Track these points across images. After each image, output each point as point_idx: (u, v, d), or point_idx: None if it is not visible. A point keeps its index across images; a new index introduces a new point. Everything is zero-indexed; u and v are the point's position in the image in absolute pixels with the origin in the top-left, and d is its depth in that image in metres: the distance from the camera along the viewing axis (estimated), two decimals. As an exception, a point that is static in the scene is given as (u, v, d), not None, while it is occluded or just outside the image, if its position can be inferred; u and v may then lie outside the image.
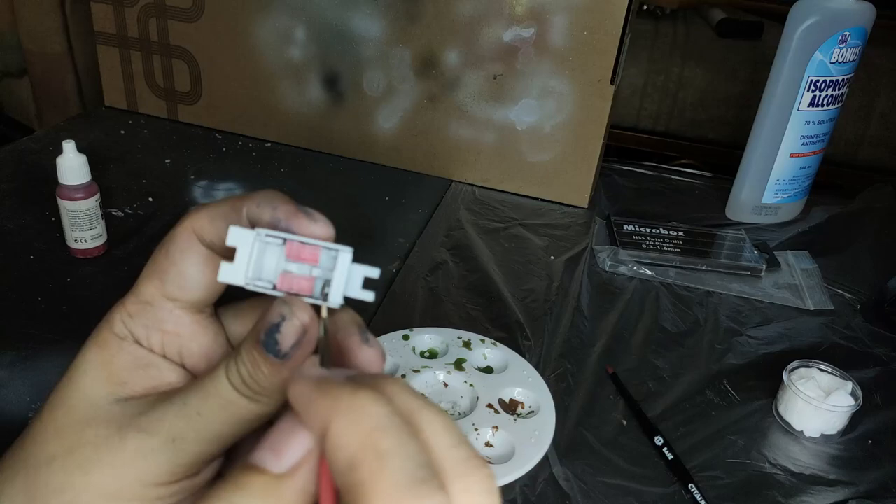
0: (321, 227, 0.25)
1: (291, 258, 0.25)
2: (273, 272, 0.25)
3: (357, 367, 0.26)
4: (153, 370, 0.27)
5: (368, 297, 0.26)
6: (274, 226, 0.25)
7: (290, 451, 0.22)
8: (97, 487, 0.25)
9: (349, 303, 0.26)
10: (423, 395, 0.22)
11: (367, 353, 0.26)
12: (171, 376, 0.27)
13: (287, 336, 0.24)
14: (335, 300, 0.25)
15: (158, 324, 0.27)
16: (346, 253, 0.25)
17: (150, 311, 0.27)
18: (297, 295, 0.25)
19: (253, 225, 0.26)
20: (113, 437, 0.25)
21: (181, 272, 0.26)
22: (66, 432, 0.26)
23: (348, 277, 0.25)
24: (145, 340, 0.27)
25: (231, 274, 0.25)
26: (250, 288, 0.25)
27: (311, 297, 0.25)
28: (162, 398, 0.26)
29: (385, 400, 0.21)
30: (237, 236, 0.25)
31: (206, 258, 0.27)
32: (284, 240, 0.25)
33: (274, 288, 0.25)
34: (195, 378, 0.27)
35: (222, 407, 0.25)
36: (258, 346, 0.24)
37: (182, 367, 0.28)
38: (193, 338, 0.28)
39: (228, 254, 0.25)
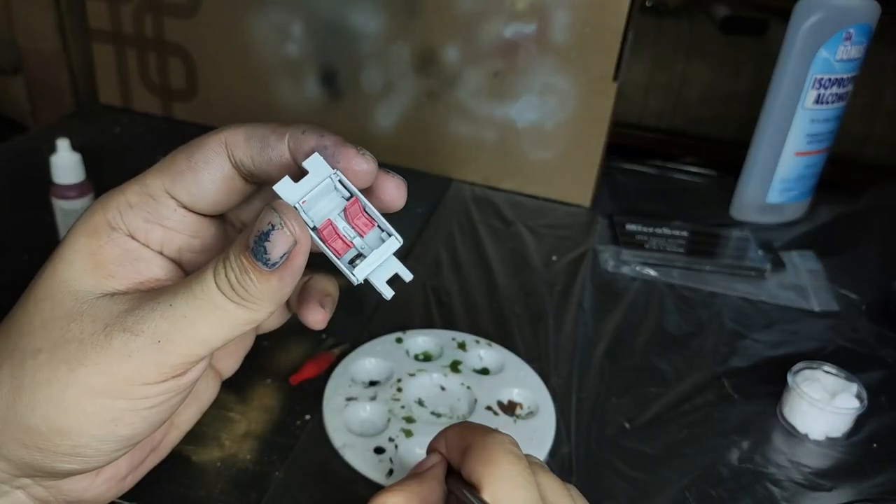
0: (368, 161, 0.25)
1: (346, 217, 0.25)
2: (322, 216, 0.25)
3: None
4: (142, 264, 0.26)
5: (388, 292, 0.25)
6: (321, 152, 0.25)
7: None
8: (84, 383, 0.24)
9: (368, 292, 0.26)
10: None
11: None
12: (158, 272, 0.27)
13: (276, 245, 0.23)
14: (360, 274, 0.25)
15: (160, 219, 0.26)
16: (395, 241, 0.25)
17: (152, 205, 0.26)
18: (332, 250, 0.25)
19: (294, 155, 0.25)
20: (98, 334, 0.25)
21: (197, 180, 0.26)
22: (51, 326, 0.25)
23: (383, 265, 0.25)
24: (143, 234, 0.26)
25: (288, 190, 0.24)
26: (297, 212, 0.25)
27: (339, 259, 0.25)
28: (148, 297, 0.25)
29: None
30: (316, 164, 0.24)
31: (227, 175, 0.26)
32: (351, 196, 0.25)
33: (314, 229, 0.25)
34: (184, 277, 0.26)
35: (209, 310, 0.24)
36: (246, 252, 0.23)
37: (174, 264, 0.27)
38: (196, 234, 0.27)
39: (281, 174, 0.25)
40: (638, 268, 0.77)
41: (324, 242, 0.24)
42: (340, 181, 0.25)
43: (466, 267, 0.76)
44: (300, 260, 0.24)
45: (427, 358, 0.61)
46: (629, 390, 0.61)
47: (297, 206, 0.24)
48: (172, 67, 0.98)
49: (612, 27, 0.80)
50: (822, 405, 0.57)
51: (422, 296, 0.70)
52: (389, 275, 0.25)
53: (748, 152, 0.88)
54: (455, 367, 0.59)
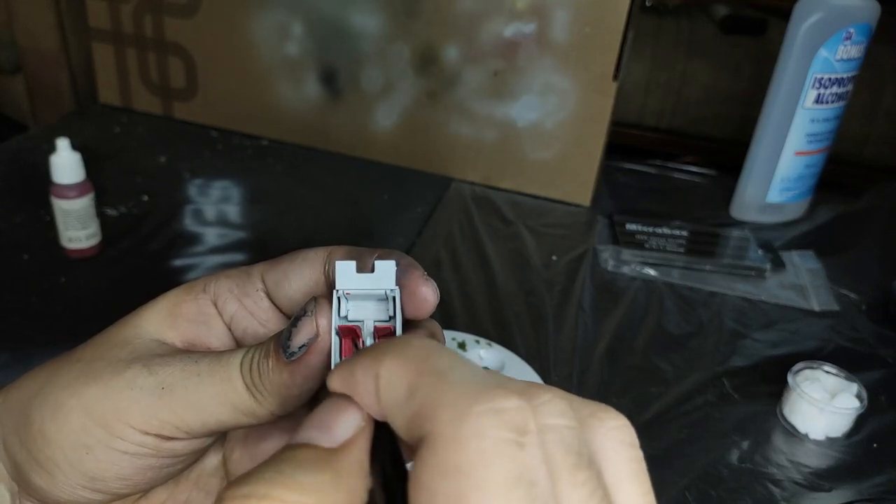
0: (432, 292, 0.25)
1: (375, 332, 0.25)
2: (356, 317, 0.25)
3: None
4: (205, 329, 0.27)
5: None
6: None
7: (340, 426, 0.20)
8: (85, 399, 0.25)
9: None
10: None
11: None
12: (216, 342, 0.27)
13: (300, 332, 0.24)
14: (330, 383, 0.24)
15: (242, 294, 0.27)
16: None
17: (244, 279, 0.27)
18: (340, 346, 0.24)
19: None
20: (123, 362, 0.25)
21: (288, 273, 0.27)
22: (102, 346, 0.27)
23: None
24: (222, 302, 0.27)
25: (345, 274, 0.24)
26: (337, 293, 0.25)
27: (338, 357, 0.24)
28: (186, 353, 0.26)
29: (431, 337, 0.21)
30: (385, 269, 0.24)
31: (315, 280, 0.27)
32: (391, 319, 0.25)
33: (344, 317, 0.25)
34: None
35: (221, 381, 0.25)
36: (277, 338, 0.24)
37: (234, 342, 0.28)
38: (264, 324, 0.28)
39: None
40: (638, 268, 0.77)
41: (339, 335, 0.24)
42: (395, 298, 0.24)
43: (466, 267, 0.76)
44: (315, 359, 0.24)
45: (427, 358, 0.61)
46: (629, 390, 0.61)
47: (340, 292, 0.24)
48: (172, 67, 0.98)
49: (612, 27, 0.80)
50: (822, 405, 0.57)
51: (422, 296, 0.70)
52: None
53: (748, 152, 0.88)
54: (455, 367, 0.59)
